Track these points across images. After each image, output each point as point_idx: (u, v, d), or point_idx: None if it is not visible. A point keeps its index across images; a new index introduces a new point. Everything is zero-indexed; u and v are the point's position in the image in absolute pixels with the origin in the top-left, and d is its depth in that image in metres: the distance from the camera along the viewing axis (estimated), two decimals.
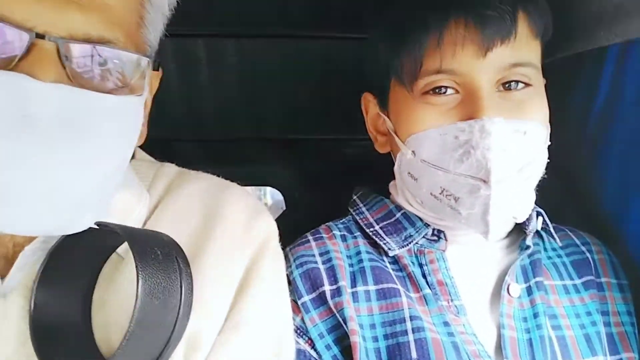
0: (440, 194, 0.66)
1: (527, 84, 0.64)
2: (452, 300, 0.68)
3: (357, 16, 0.87)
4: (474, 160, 0.60)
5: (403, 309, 0.66)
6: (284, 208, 1.22)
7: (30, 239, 0.51)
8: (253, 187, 1.19)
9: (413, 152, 0.67)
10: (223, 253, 0.58)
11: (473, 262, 0.72)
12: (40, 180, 0.42)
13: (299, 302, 0.67)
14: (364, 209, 0.79)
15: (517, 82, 0.64)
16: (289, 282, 0.67)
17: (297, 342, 0.64)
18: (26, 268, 0.52)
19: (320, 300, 0.67)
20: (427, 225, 0.73)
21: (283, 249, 0.67)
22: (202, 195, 0.62)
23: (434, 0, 0.64)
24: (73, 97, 0.43)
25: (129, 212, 0.57)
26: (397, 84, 0.69)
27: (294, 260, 0.70)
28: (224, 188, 0.65)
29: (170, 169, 0.66)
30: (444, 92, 0.64)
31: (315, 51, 0.96)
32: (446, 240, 0.73)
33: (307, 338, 0.66)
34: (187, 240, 0.57)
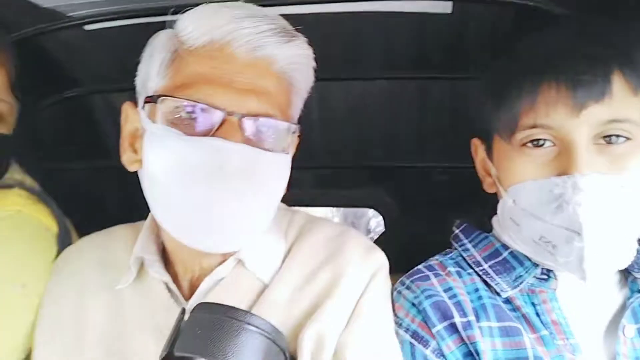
0: (539, 239, 0.68)
1: (627, 138, 0.64)
2: (567, 339, 0.69)
3: (449, 59, 0.97)
4: (566, 214, 0.63)
5: (526, 348, 0.67)
6: (384, 229, 1.34)
7: (210, 270, 0.70)
8: (356, 209, 1.32)
9: (514, 200, 0.70)
10: (342, 283, 0.69)
11: (583, 300, 0.72)
12: (233, 211, 0.63)
13: (433, 330, 0.70)
14: (469, 245, 0.80)
15: (617, 136, 0.64)
16: (419, 311, 0.72)
17: None
18: (200, 295, 0.70)
19: (452, 329, 0.70)
20: (535, 264, 0.74)
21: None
22: (326, 241, 0.74)
23: (528, 64, 0.67)
24: (249, 152, 0.62)
25: (272, 249, 0.73)
26: (498, 136, 0.72)
27: (422, 292, 0.73)
28: (343, 232, 0.77)
29: (300, 217, 0.80)
30: (542, 145, 0.66)
31: (413, 89, 1.07)
32: (556, 279, 0.73)
33: (443, 359, 0.69)
34: (313, 275, 0.71)
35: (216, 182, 0.60)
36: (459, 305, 0.71)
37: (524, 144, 0.68)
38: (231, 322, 0.55)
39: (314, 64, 0.70)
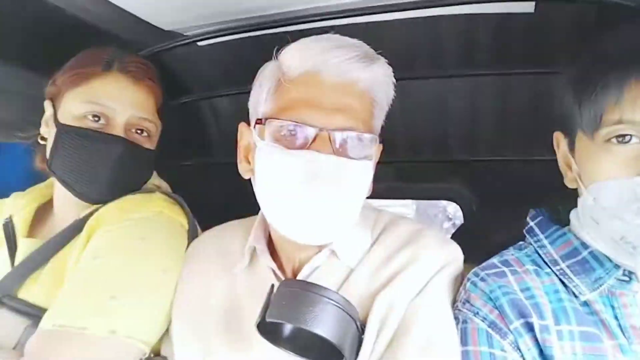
0: (620, 239, 0.67)
1: None
2: None
3: (530, 55, 1.00)
4: None
5: (607, 355, 0.67)
6: (463, 221, 1.39)
7: (307, 260, 0.83)
8: (436, 201, 1.38)
9: (594, 198, 0.69)
10: (415, 274, 0.79)
11: None
12: (326, 210, 0.76)
13: (511, 327, 0.71)
14: (545, 241, 0.79)
15: None
16: (495, 305, 0.74)
17: (512, 354, 0.71)
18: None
19: (528, 328, 0.71)
20: (617, 266, 0.72)
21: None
22: (406, 233, 0.84)
23: (614, 60, 0.66)
24: (337, 161, 0.74)
25: (360, 242, 0.84)
26: (582, 132, 0.71)
27: (499, 288, 0.74)
28: (423, 228, 0.86)
29: (385, 216, 0.91)
30: (628, 141, 0.65)
31: (494, 86, 1.11)
32: (638, 281, 0.71)
33: (520, 355, 0.71)
34: (391, 258, 0.81)
35: (312, 186, 0.74)
36: (536, 307, 0.71)
37: (608, 140, 0.66)
38: (308, 294, 0.68)
39: (393, 80, 0.81)
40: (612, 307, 0.71)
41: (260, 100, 0.82)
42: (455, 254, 0.84)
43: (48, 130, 0.98)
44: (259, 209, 1.00)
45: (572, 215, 0.79)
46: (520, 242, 0.85)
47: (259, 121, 0.80)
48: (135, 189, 1.00)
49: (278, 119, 0.77)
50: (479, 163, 1.26)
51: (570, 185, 0.77)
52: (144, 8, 0.95)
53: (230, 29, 1.06)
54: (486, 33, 0.98)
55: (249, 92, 1.34)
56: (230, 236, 0.95)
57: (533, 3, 0.87)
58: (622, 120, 0.64)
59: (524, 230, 0.84)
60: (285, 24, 1.01)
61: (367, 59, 0.76)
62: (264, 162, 0.79)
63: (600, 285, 0.71)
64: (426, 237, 0.83)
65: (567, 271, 0.74)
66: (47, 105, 1.00)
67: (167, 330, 0.89)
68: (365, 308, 0.75)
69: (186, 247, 0.96)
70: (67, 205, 0.99)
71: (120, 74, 0.97)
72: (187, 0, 0.92)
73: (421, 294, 0.77)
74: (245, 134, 0.86)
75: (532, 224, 0.83)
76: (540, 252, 0.79)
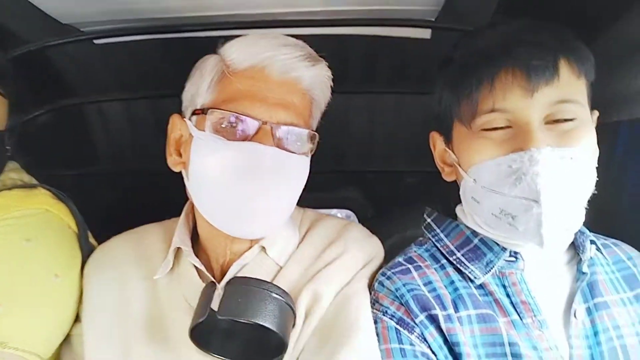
0: (499, 213, 0.74)
1: (572, 118, 0.71)
2: (535, 316, 0.74)
3: (423, 76, 1.11)
4: (525, 184, 0.69)
5: (502, 334, 0.73)
6: None
7: (238, 255, 0.82)
8: (334, 210, 1.46)
9: (474, 179, 0.76)
10: (341, 267, 0.82)
11: (545, 280, 0.78)
12: (265, 203, 0.75)
13: (416, 320, 0.75)
14: (442, 235, 0.86)
15: (564, 118, 0.71)
16: (401, 303, 0.77)
17: (420, 346, 0.74)
18: (230, 277, 0.80)
19: (431, 319, 0.75)
20: (504, 248, 0.79)
21: None
22: (333, 229, 0.88)
23: (485, 53, 0.73)
24: (279, 154, 0.75)
25: (288, 240, 0.86)
26: (458, 123, 0.78)
27: (403, 285, 0.78)
28: (348, 223, 0.92)
29: (311, 213, 0.94)
30: (500, 127, 0.73)
31: (390, 103, 1.22)
32: (523, 259, 0.78)
33: (427, 345, 0.74)
34: (320, 255, 0.83)
35: (253, 178, 0.74)
36: (438, 298, 0.76)
37: (484, 129, 0.74)
38: (261, 292, 0.69)
39: (331, 83, 0.85)
40: (504, 287, 0.78)
41: (200, 91, 0.80)
42: (378, 248, 0.89)
43: None
44: (150, 219, 0.97)
45: (458, 209, 0.88)
46: (420, 238, 0.91)
47: (197, 111, 0.79)
48: None
49: (220, 109, 0.76)
50: (373, 174, 1.36)
51: (447, 178, 0.85)
52: None
53: (131, 29, 1.01)
54: (387, 54, 1.08)
55: (143, 98, 1.28)
56: (149, 240, 0.89)
57: (429, 30, 1.00)
58: (495, 108, 0.72)
59: (422, 227, 0.90)
60: (192, 29, 1.00)
61: (311, 59, 0.79)
62: (203, 153, 0.77)
63: (492, 268, 0.78)
64: (352, 231, 0.88)
65: (462, 259, 0.80)
66: None
67: (67, 340, 0.81)
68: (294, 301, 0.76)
69: (78, 251, 0.88)
70: None
71: None
72: None
73: (350, 284, 0.80)
74: (178, 126, 0.83)
75: (429, 220, 0.90)
76: (438, 245, 0.85)
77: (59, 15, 0.95)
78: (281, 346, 0.68)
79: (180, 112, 0.85)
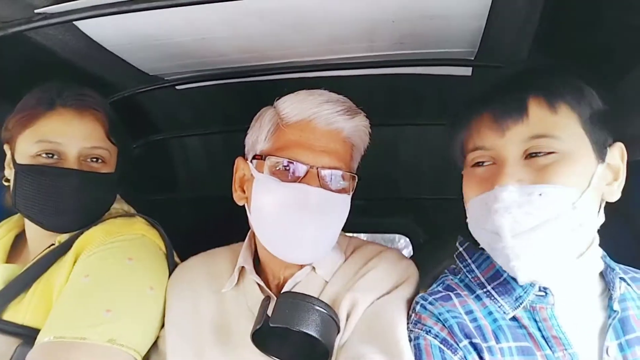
0: (487, 246, 0.81)
1: (550, 152, 0.74)
2: (566, 349, 0.75)
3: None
4: (491, 220, 0.75)
5: None
6: (412, 252, 1.53)
7: (291, 276, 0.94)
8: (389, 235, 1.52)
9: (469, 216, 0.83)
10: (376, 279, 0.92)
11: (576, 313, 0.79)
12: (312, 234, 0.88)
13: (460, 345, 0.77)
14: (473, 266, 0.88)
15: (537, 152, 0.74)
16: (445, 326, 0.80)
17: None
18: None
19: (474, 347, 0.77)
20: (532, 284, 0.80)
21: None
22: (372, 252, 0.98)
23: (468, 104, 0.82)
24: (324, 193, 0.88)
25: (335, 261, 0.97)
26: (461, 165, 0.86)
27: (447, 311, 0.81)
28: (386, 248, 1.01)
29: (356, 240, 1.05)
30: (482, 163, 0.80)
31: (438, 134, 1.28)
32: (552, 294, 0.79)
33: None
34: (358, 271, 0.93)
35: (302, 214, 0.86)
36: (479, 329, 0.78)
37: (472, 165, 0.81)
38: (306, 304, 0.79)
39: (369, 130, 0.96)
40: (535, 321, 0.79)
41: (259, 139, 0.94)
42: (412, 269, 0.97)
43: (10, 172, 1.01)
44: (223, 239, 1.11)
45: None
46: (453, 266, 0.95)
47: (257, 157, 0.93)
48: (102, 212, 1.05)
49: (276, 155, 0.89)
50: (425, 201, 1.42)
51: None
52: (134, 55, 1.06)
53: (206, 76, 1.17)
54: (432, 91, 1.16)
55: (217, 133, 1.46)
56: (219, 260, 1.04)
57: (470, 68, 1.06)
58: (477, 147, 0.79)
59: (455, 256, 0.94)
60: (256, 75, 1.14)
61: (350, 113, 0.92)
62: (262, 191, 0.90)
63: (521, 304, 0.80)
64: (387, 252, 0.98)
65: (493, 292, 0.83)
66: (6, 149, 1.03)
67: (155, 342, 0.95)
68: (335, 310, 0.86)
69: (166, 268, 1.03)
70: (39, 234, 1.02)
71: (63, 109, 0.99)
72: (174, 50, 1.03)
73: (384, 297, 0.89)
74: (242, 167, 0.98)
75: (460, 249, 0.93)
76: (469, 276, 0.88)
77: (147, 69, 1.14)
78: (325, 352, 0.78)
79: (244, 154, 0.99)
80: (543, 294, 0.80)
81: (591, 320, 0.79)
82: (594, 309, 0.80)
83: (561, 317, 0.78)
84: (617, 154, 0.78)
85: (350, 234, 1.11)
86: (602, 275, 0.83)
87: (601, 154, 0.76)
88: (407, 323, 0.85)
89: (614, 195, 0.79)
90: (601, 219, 0.79)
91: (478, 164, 0.80)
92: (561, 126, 0.74)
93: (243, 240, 1.04)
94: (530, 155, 0.75)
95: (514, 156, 0.75)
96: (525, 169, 0.75)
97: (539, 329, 0.78)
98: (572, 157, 0.74)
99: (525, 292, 0.80)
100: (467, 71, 1.08)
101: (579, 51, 0.86)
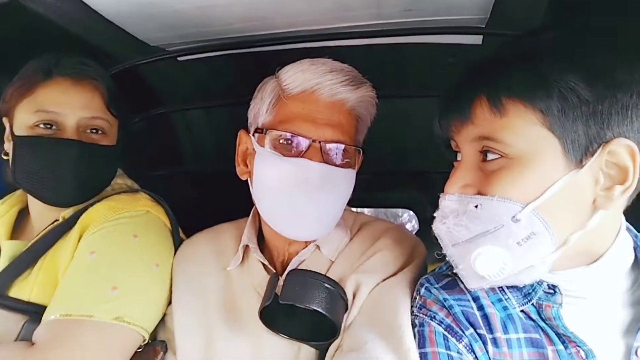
0: None
1: (500, 156, 0.67)
2: (579, 346, 0.70)
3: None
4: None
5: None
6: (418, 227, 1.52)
7: (295, 254, 0.93)
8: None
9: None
10: (382, 261, 0.90)
11: (591, 312, 0.73)
12: (315, 211, 0.86)
13: (466, 332, 0.74)
14: None
15: (488, 151, 0.68)
16: (450, 312, 0.76)
17: (467, 356, 0.73)
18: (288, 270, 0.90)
19: (479, 336, 0.74)
20: (540, 282, 0.74)
21: None
22: (379, 231, 0.96)
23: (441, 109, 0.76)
24: (326, 168, 0.85)
25: (340, 240, 0.95)
26: None
27: (452, 299, 0.77)
28: (393, 226, 0.99)
29: (362, 216, 1.03)
30: (457, 155, 0.76)
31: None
32: (561, 293, 0.73)
33: (474, 357, 0.73)
34: (364, 252, 0.92)
35: (304, 189, 0.84)
36: (485, 319, 0.75)
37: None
38: (315, 282, 0.78)
39: (376, 101, 0.93)
40: (542, 319, 0.75)
41: (261, 112, 0.92)
42: (419, 248, 0.95)
43: (9, 146, 1.00)
44: (228, 215, 1.09)
45: None
46: None
47: (259, 130, 0.90)
48: (103, 186, 1.05)
49: (277, 129, 0.87)
50: (433, 174, 1.40)
51: None
52: (134, 25, 1.03)
53: (208, 47, 1.14)
54: (442, 60, 1.12)
55: (220, 106, 1.43)
56: (224, 237, 1.03)
57: (481, 37, 1.02)
58: (448, 137, 0.75)
59: None
60: (260, 45, 1.11)
61: (355, 83, 0.88)
62: (263, 166, 0.88)
63: (529, 301, 0.75)
64: (395, 232, 0.96)
65: (503, 285, 0.77)
66: (5, 121, 1.02)
67: (162, 319, 0.95)
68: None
69: (171, 245, 1.02)
70: (42, 209, 1.02)
71: (60, 78, 0.97)
72: (175, 19, 0.99)
73: (390, 280, 0.87)
74: (244, 140, 0.96)
75: None
76: None
77: (147, 39, 1.11)
78: (334, 329, 0.77)
79: (246, 127, 0.97)
80: (552, 291, 0.74)
81: (615, 318, 0.73)
82: (619, 306, 0.73)
83: (567, 317, 0.73)
84: (623, 151, 0.64)
85: (355, 209, 1.09)
86: (635, 266, 0.75)
87: (579, 156, 0.64)
88: (412, 306, 0.82)
89: (615, 201, 0.65)
90: (612, 221, 0.71)
91: (456, 153, 0.77)
92: (509, 128, 0.66)
93: (248, 215, 1.03)
94: (484, 157, 0.69)
95: (468, 155, 0.71)
96: (477, 174, 0.70)
97: (548, 326, 0.74)
98: (523, 163, 0.66)
99: (533, 289, 0.75)
100: (477, 39, 1.04)
101: (595, 19, 0.82)
